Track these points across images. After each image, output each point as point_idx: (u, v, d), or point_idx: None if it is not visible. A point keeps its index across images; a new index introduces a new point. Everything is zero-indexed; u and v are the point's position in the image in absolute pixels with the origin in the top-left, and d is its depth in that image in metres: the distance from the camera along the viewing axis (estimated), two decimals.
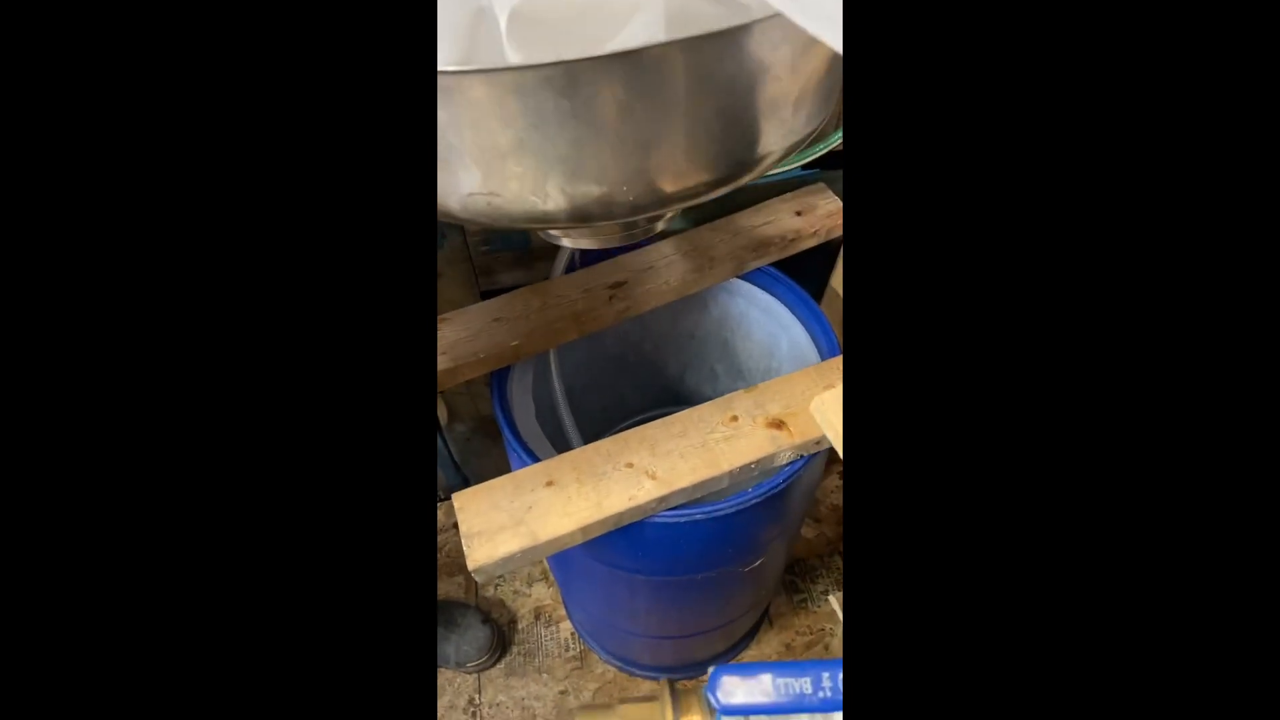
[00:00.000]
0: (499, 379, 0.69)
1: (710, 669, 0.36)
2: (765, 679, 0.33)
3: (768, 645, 1.05)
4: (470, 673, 1.01)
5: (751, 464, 0.58)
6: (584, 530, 0.55)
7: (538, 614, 1.08)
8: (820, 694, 0.33)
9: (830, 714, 0.33)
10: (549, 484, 0.57)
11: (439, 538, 1.17)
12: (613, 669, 1.02)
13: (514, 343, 0.67)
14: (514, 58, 0.33)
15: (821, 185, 0.81)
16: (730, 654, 1.03)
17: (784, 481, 0.60)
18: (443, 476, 1.15)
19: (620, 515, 0.56)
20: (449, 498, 1.22)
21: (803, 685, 0.33)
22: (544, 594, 1.10)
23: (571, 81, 0.30)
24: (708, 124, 0.33)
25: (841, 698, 0.33)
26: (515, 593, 1.10)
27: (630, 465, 0.58)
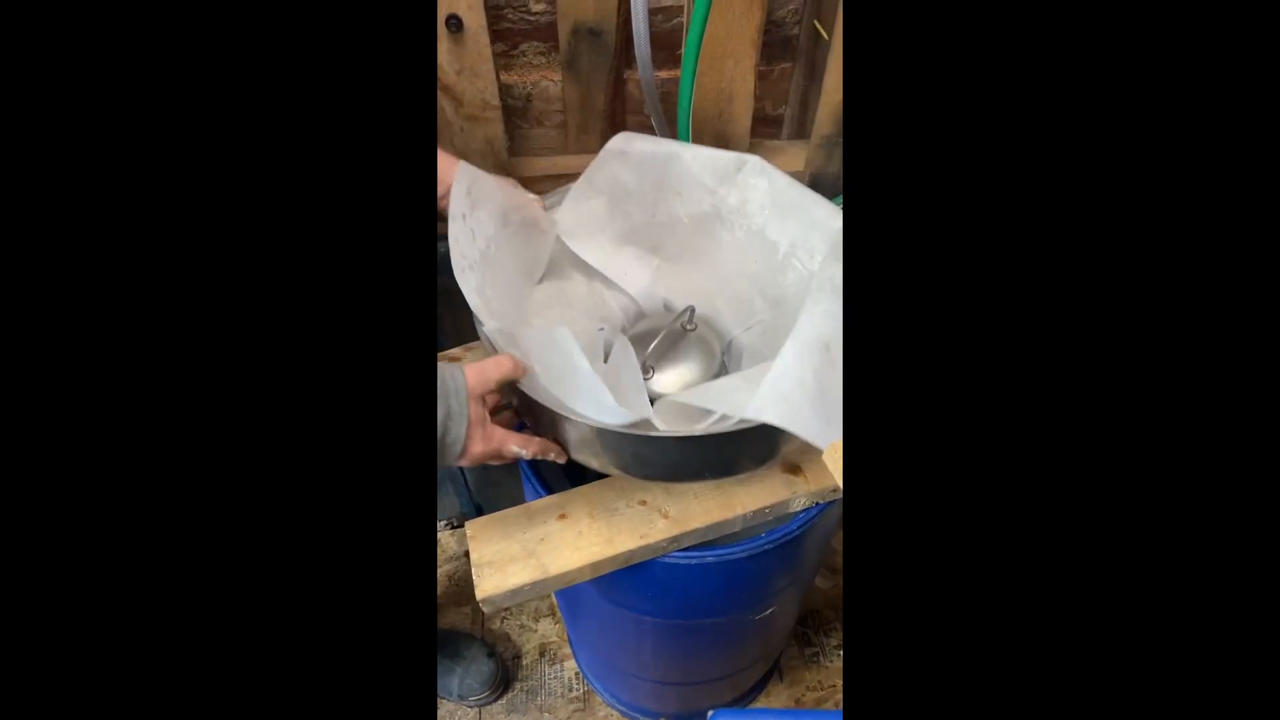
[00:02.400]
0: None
1: (710, 713, 0.35)
2: None
3: (776, 698, 1.01)
4: (472, 706, 0.99)
5: (766, 508, 0.57)
6: (594, 566, 0.55)
7: (543, 651, 1.06)
8: None
9: None
10: (562, 517, 0.57)
11: (449, 565, 1.16)
12: (616, 713, 0.99)
13: None
14: (659, 424, 0.51)
15: None
16: (737, 705, 1.00)
17: (798, 529, 0.59)
18: (456, 504, 1.15)
19: (631, 553, 0.55)
20: (462, 525, 1.22)
21: None
22: (550, 630, 1.08)
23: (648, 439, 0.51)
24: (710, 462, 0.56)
25: None
26: (522, 627, 1.09)
27: (644, 503, 0.58)
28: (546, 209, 0.64)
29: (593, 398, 0.48)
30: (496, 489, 1.10)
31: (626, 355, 0.50)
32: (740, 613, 0.68)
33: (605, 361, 0.62)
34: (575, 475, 0.62)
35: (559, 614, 1.09)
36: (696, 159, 0.64)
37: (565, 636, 1.06)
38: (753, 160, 0.63)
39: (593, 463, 0.56)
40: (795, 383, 0.46)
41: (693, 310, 0.62)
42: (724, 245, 0.66)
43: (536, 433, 0.56)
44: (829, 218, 0.59)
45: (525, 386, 0.52)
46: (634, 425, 0.49)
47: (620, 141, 0.64)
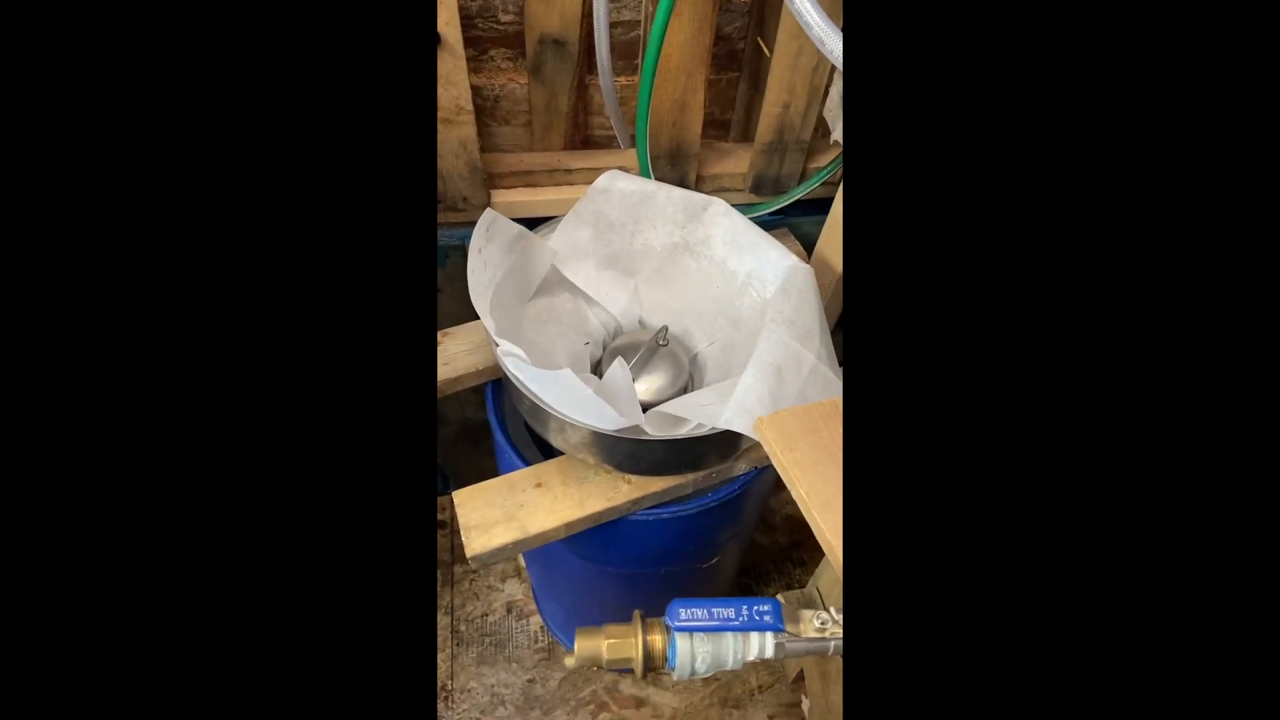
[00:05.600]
0: (493, 389, 0.77)
1: (670, 602, 0.48)
2: (705, 610, 0.49)
3: None
4: None
5: (713, 472, 0.68)
6: (568, 526, 0.64)
7: (509, 608, 1.15)
8: (741, 619, 0.47)
9: (747, 633, 0.48)
10: (538, 485, 0.66)
11: None
12: None
13: None
14: (649, 429, 0.61)
15: (785, 230, 0.91)
16: None
17: (739, 489, 0.70)
18: None
19: (600, 514, 0.65)
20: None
21: (729, 612, 0.45)
22: (516, 590, 1.17)
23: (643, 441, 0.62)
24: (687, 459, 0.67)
25: (751, 621, 0.45)
26: (489, 588, 1.17)
27: (609, 471, 0.67)
28: (541, 237, 0.74)
29: (596, 411, 0.58)
30: (463, 461, 1.17)
31: (623, 373, 0.60)
32: (690, 563, 0.79)
33: (592, 370, 0.73)
34: (547, 449, 0.71)
35: (524, 575, 1.18)
36: (670, 198, 0.74)
37: (530, 595, 1.16)
38: (717, 203, 0.73)
39: (589, 460, 0.66)
40: (756, 399, 0.57)
41: (666, 329, 0.74)
42: (691, 272, 0.77)
43: (543, 436, 0.67)
44: (780, 257, 0.70)
45: (536, 399, 0.61)
46: (629, 430, 0.60)
47: (606, 180, 0.73)
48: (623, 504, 0.65)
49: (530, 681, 1.07)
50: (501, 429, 0.73)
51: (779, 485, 1.08)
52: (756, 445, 0.68)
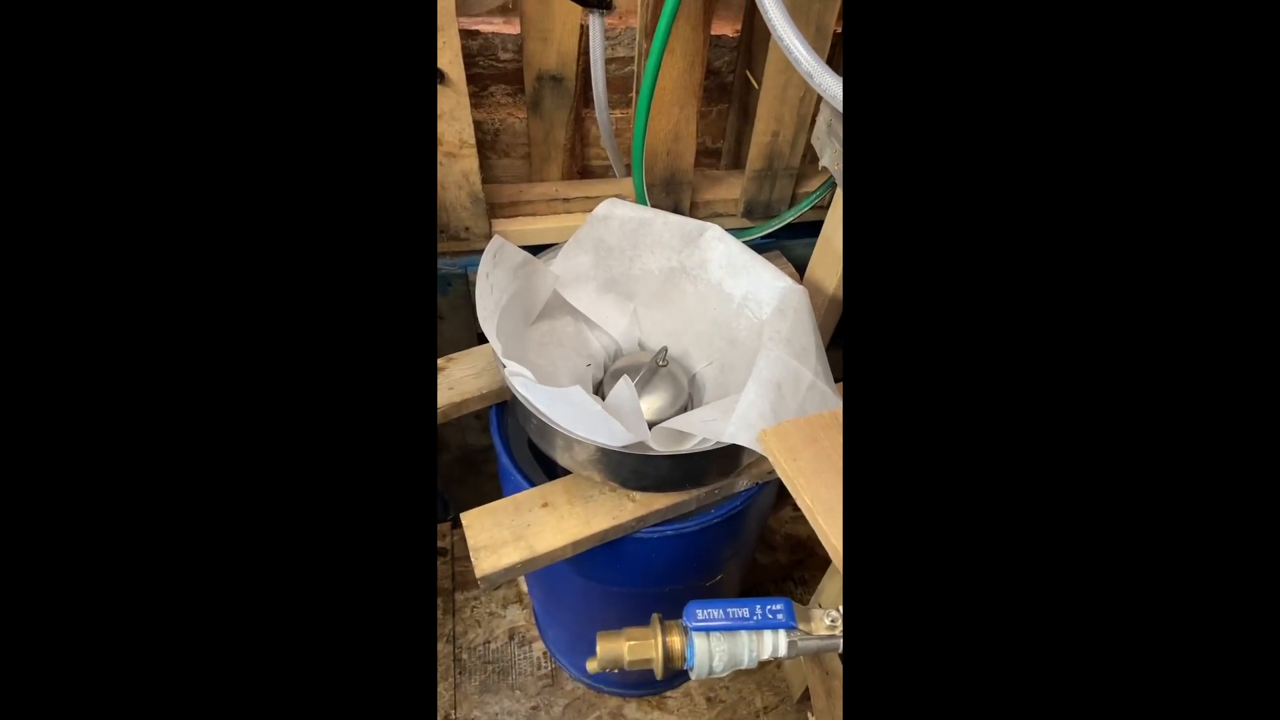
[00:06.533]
0: (498, 412, 0.78)
1: (688, 604, 0.49)
2: (720, 610, 0.50)
3: None
4: None
5: (716, 488, 0.69)
6: (574, 545, 0.65)
7: (511, 634, 1.14)
8: (755, 618, 0.49)
9: (761, 631, 0.49)
10: (544, 505, 0.67)
11: None
12: (582, 686, 1.09)
13: None
14: (655, 445, 0.63)
15: (777, 253, 0.94)
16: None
17: (740, 505, 0.71)
18: None
19: (605, 532, 0.66)
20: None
21: (743, 612, 0.46)
22: (518, 616, 1.17)
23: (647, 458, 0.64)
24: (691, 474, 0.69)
25: (765, 619, 0.48)
26: (491, 614, 1.17)
27: (614, 489, 0.68)
28: (544, 263, 0.76)
29: (604, 428, 0.60)
30: (463, 486, 1.17)
31: (629, 391, 0.62)
32: (693, 581, 0.80)
33: (594, 392, 0.75)
34: (551, 470, 0.72)
35: (526, 600, 1.17)
36: (666, 224, 0.77)
37: (532, 620, 1.15)
38: (712, 228, 0.76)
39: (595, 477, 0.68)
40: (758, 414, 0.58)
41: (665, 350, 0.76)
42: (688, 295, 0.79)
43: (550, 455, 0.68)
44: (774, 279, 0.73)
45: (544, 416, 0.63)
46: (635, 446, 0.62)
47: (605, 208, 0.76)
48: (628, 521, 0.66)
49: (534, 709, 1.06)
50: (506, 451, 0.75)
51: (778, 504, 1.08)
52: (757, 462, 0.70)
